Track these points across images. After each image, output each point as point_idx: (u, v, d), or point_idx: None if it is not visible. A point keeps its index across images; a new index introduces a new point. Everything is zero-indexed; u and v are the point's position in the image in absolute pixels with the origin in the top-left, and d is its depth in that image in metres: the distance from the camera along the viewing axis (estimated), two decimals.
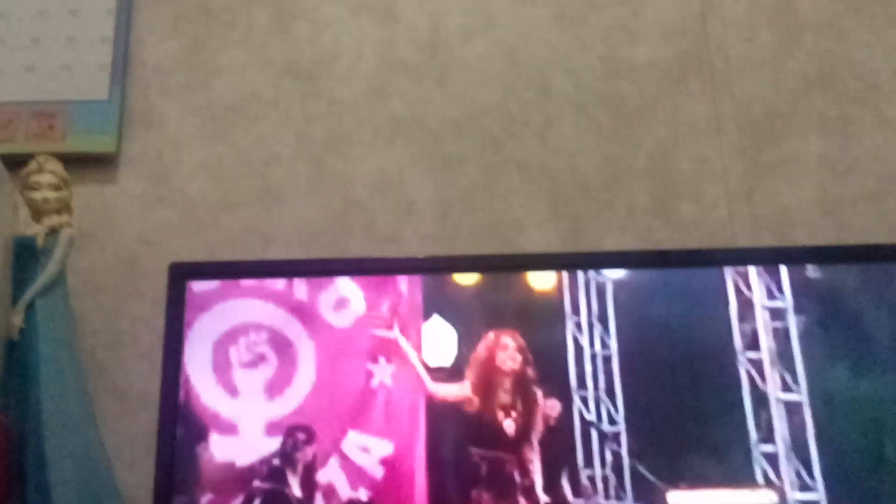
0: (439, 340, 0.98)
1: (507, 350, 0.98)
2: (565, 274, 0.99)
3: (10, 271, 0.96)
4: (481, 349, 0.98)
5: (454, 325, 0.98)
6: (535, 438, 0.95)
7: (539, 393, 0.96)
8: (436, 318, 0.98)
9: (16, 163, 1.02)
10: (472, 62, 1.22)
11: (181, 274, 0.97)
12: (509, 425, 0.96)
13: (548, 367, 0.97)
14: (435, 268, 1.02)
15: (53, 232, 0.98)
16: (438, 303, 0.99)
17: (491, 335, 0.98)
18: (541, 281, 1.00)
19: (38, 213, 0.99)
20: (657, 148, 1.17)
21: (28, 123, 1.16)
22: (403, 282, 1.00)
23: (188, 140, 1.19)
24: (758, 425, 0.94)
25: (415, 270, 1.01)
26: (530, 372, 0.97)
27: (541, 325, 0.98)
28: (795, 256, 0.99)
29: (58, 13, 1.22)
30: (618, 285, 0.99)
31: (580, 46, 1.22)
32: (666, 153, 1.17)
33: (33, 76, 1.18)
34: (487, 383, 0.97)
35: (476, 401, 0.97)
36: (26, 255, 0.97)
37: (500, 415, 0.96)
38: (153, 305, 1.08)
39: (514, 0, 1.24)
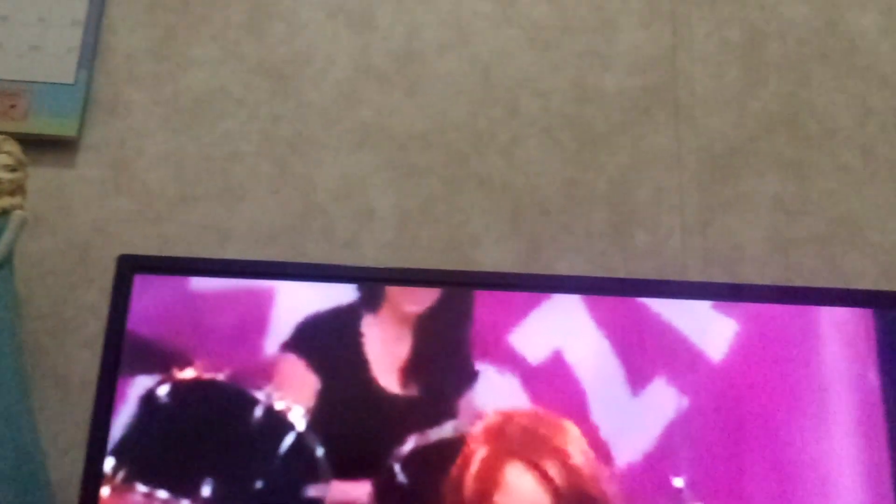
0: None
1: None
2: None
3: None
4: None
5: None
6: None
7: None
8: None
9: None
10: (444, 76, 1.23)
11: (129, 266, 0.97)
12: None
13: None
14: (395, 279, 1.02)
15: (5, 213, 0.97)
16: None
17: None
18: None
19: None
20: (618, 175, 1.18)
21: None
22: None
23: (152, 130, 1.18)
24: None
25: (373, 280, 1.01)
26: None
27: None
28: (751, 294, 1.01)
29: None
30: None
31: (551, 69, 1.23)
32: (626, 181, 1.18)
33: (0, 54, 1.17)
34: None
35: None
36: None
37: None
38: (101, 294, 1.08)
39: (490, 18, 1.25)
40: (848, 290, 1.06)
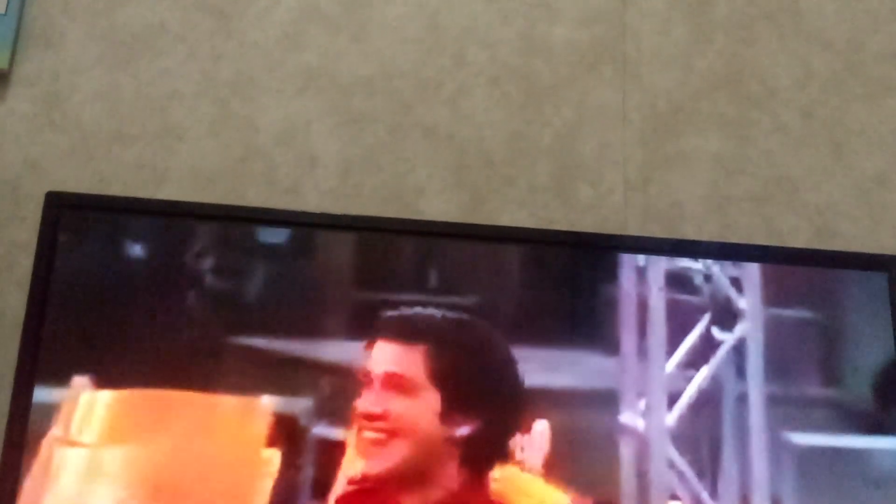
0: None
1: None
2: None
3: None
4: None
5: None
6: None
7: None
8: None
9: None
10: (391, 21, 1.21)
11: (57, 204, 0.94)
12: None
13: None
14: (333, 225, 1.02)
15: None
16: None
17: None
18: None
19: None
20: (563, 129, 1.18)
21: None
22: None
23: (87, 65, 1.14)
24: None
25: (317, 226, 1.02)
26: None
27: None
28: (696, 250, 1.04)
29: None
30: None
31: (500, 20, 1.22)
32: (571, 135, 1.18)
33: None
34: None
35: None
36: None
37: None
38: (33, 232, 1.04)
39: None
40: (782, 247, 1.09)
